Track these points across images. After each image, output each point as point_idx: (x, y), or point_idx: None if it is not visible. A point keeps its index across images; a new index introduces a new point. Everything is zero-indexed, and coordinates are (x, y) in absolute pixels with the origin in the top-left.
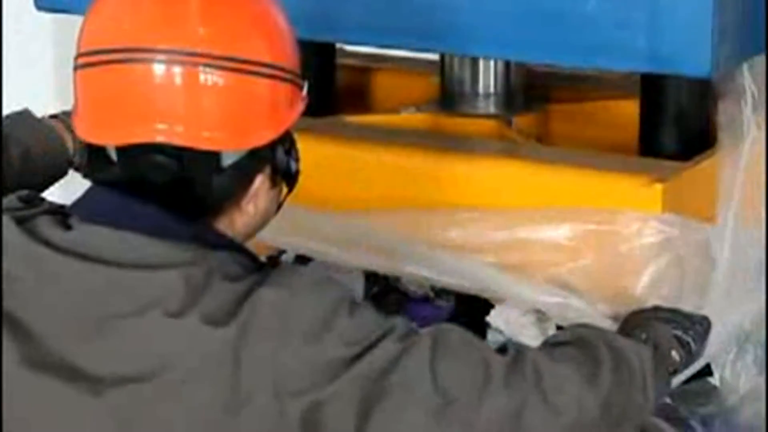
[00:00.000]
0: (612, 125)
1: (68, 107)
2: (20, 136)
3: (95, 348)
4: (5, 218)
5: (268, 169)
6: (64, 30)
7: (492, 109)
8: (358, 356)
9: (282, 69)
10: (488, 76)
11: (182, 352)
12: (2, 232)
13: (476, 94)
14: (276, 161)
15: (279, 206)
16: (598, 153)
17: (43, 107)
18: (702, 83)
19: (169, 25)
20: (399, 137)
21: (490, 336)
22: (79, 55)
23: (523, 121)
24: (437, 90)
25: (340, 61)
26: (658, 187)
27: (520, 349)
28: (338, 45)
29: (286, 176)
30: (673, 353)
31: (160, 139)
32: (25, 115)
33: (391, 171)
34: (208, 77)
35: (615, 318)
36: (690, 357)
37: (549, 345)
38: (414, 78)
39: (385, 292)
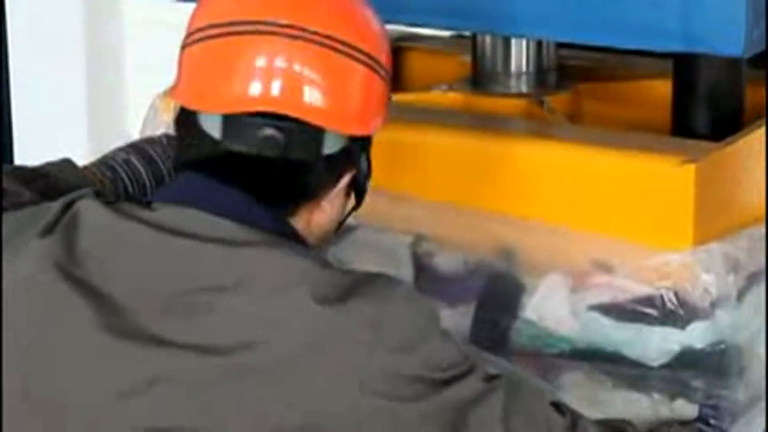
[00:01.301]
0: (644, 105)
1: (99, 109)
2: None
3: (185, 321)
4: (89, 200)
5: (351, 175)
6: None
7: (524, 89)
8: (447, 383)
9: (388, 72)
10: (520, 55)
11: (273, 330)
12: (86, 212)
13: (508, 73)
14: (359, 167)
15: (341, 224)
16: (630, 133)
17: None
18: (735, 63)
19: (302, 5)
20: (430, 116)
21: (522, 324)
22: (197, 30)
23: (554, 100)
24: (469, 69)
25: None
26: (691, 167)
27: (575, 418)
28: None
29: (357, 189)
30: None
31: (284, 110)
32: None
33: (421, 149)
34: (343, 64)
35: None
36: None
37: (603, 423)
38: (445, 57)
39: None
